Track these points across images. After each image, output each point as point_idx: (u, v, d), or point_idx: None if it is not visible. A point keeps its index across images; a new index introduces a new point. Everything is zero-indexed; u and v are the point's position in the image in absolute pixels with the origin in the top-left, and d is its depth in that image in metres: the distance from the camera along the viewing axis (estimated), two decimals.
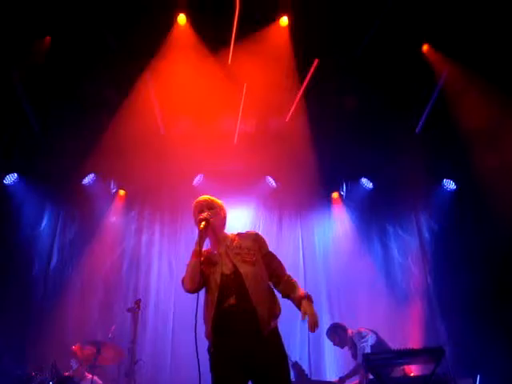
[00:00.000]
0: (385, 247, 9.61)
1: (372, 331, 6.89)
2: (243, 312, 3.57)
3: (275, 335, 3.66)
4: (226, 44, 7.98)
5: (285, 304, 3.87)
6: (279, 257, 3.98)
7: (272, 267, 3.88)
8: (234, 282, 3.66)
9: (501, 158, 8.22)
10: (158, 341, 8.81)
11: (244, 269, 3.70)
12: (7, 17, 7.28)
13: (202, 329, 3.64)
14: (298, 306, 3.71)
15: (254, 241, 3.90)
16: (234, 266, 3.71)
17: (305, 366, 7.28)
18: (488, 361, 7.51)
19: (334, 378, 7.36)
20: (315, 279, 9.33)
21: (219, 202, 4.03)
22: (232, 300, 3.60)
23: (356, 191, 9.96)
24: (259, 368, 3.52)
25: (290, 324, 8.11)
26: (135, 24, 7.73)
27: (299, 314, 3.68)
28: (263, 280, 3.77)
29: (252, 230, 4.32)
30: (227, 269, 3.72)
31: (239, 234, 3.97)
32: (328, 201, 10.07)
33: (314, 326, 3.61)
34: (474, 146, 8.59)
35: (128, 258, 9.40)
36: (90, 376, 6.33)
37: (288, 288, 3.84)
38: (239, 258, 3.75)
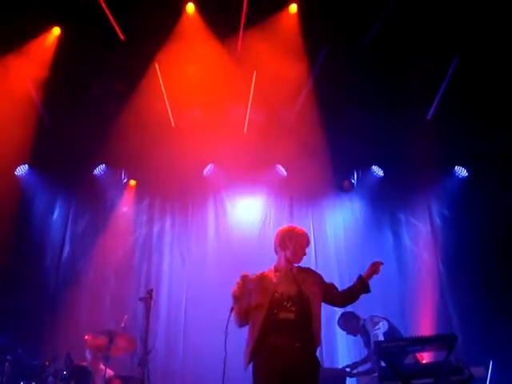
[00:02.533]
0: (396, 235, 9.56)
1: (384, 318, 6.88)
2: None
3: None
4: (235, 32, 7.94)
5: None
6: None
7: None
8: None
9: None
10: (170, 330, 8.83)
11: None
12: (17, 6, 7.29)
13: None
14: None
15: None
16: None
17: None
18: (501, 348, 7.49)
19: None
20: (327, 267, 9.26)
21: None
22: None
23: (367, 179, 9.92)
24: None
25: None
26: (144, 14, 7.70)
27: None
28: None
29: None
30: None
31: None
32: (339, 189, 10.03)
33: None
34: (485, 133, 8.54)
35: (140, 248, 9.43)
36: (104, 367, 6.35)
37: None
38: None
